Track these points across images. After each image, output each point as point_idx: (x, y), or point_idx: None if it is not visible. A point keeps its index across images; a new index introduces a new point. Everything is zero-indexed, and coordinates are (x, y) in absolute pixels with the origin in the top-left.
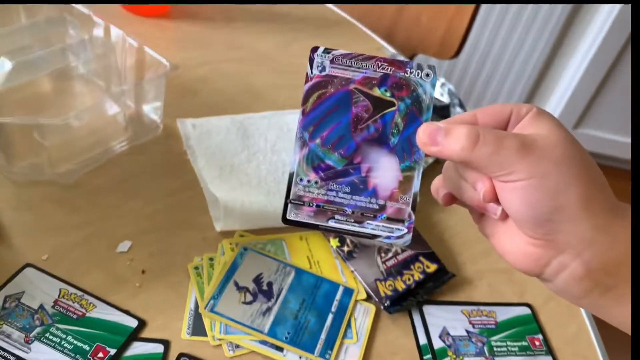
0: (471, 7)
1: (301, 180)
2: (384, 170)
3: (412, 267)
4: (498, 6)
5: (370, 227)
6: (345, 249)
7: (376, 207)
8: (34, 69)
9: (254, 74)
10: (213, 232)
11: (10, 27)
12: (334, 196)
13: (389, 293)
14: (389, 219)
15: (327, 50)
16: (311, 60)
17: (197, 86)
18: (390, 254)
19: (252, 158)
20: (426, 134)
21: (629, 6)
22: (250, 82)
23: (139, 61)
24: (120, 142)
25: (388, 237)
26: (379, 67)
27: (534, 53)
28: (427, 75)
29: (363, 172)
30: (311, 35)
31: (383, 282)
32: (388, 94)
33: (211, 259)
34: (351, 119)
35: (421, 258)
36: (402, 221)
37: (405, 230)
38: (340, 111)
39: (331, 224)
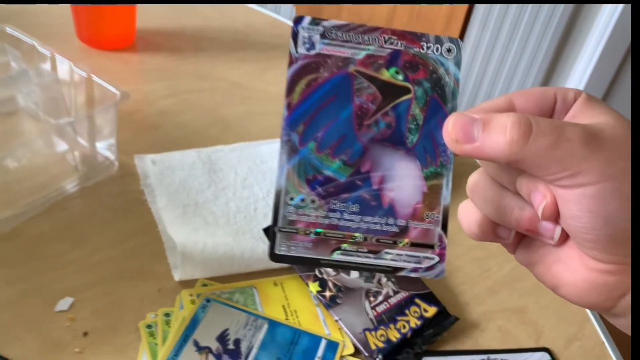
0: (463, 11)
1: (292, 199)
2: (403, 180)
3: (407, 311)
4: (495, 12)
5: (389, 257)
6: (327, 294)
7: (396, 229)
8: None
9: (224, 105)
10: (171, 282)
11: None
12: (338, 219)
13: (381, 345)
14: (414, 245)
15: (315, 21)
16: (295, 35)
17: (160, 120)
18: (380, 298)
19: (220, 194)
20: (457, 128)
21: (628, 11)
22: (220, 113)
23: (89, 93)
24: (70, 183)
25: (415, 270)
26: (386, 42)
27: (535, 60)
28: (449, 50)
29: (375, 183)
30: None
31: (373, 332)
32: (400, 77)
33: (167, 315)
34: (354, 113)
35: (417, 300)
36: (430, 246)
37: (437, 259)
38: (338, 103)
39: (337, 257)
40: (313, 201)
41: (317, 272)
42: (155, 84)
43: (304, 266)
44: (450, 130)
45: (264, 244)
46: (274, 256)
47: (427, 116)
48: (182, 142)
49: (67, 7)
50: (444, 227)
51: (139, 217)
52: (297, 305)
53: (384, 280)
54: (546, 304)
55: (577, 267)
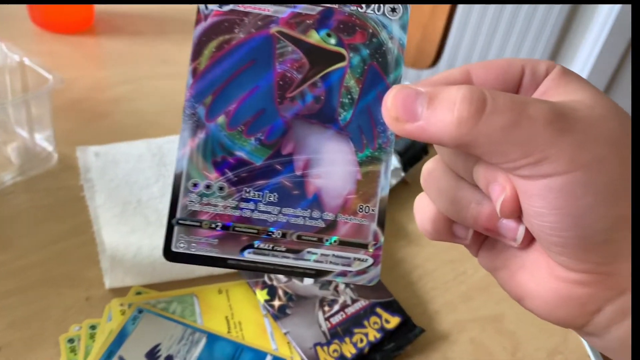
0: (445, 11)
1: (195, 185)
2: (332, 165)
3: (366, 323)
4: (490, 13)
5: (313, 258)
6: (276, 303)
7: (322, 224)
8: None
9: (184, 92)
10: (102, 289)
11: None
12: (252, 210)
13: None
14: (344, 243)
15: None
16: None
17: (111, 108)
18: (336, 307)
19: (168, 190)
20: (398, 103)
21: (629, 8)
22: (178, 100)
23: (23, 78)
24: (1, 178)
25: (342, 274)
26: None
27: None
28: (394, 10)
29: (298, 168)
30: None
31: (325, 347)
32: (332, 40)
33: (93, 327)
34: (274, 83)
35: (379, 310)
36: (363, 246)
37: (370, 261)
38: (256, 70)
39: (248, 256)
40: (221, 188)
41: (266, 278)
42: (110, 69)
43: (207, 265)
44: (390, 105)
45: None
46: (169, 254)
47: (364, 89)
48: (133, 131)
49: None
50: (381, 223)
51: (74, 216)
52: (242, 316)
53: (341, 287)
54: (525, 311)
55: (543, 276)
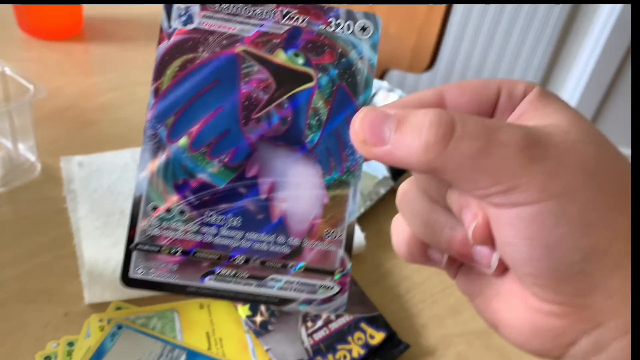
0: (440, 14)
1: (155, 209)
2: (298, 188)
3: (350, 338)
4: (489, 15)
5: (277, 285)
6: (258, 319)
7: (286, 250)
8: None
9: None
10: (81, 305)
11: None
12: (214, 235)
13: None
14: (309, 271)
15: None
16: (168, 7)
17: (97, 116)
18: (319, 323)
19: None
20: (366, 125)
21: (629, 10)
22: None
23: (5, 88)
24: None
25: (307, 302)
26: (284, 17)
27: (530, 64)
28: (364, 29)
29: (263, 192)
30: None
31: None
32: (300, 60)
33: (71, 344)
34: (239, 103)
35: (363, 325)
36: (330, 273)
37: (337, 288)
38: (220, 90)
39: (209, 283)
40: (182, 212)
41: None
42: (98, 76)
43: (167, 292)
44: (358, 128)
45: None
46: (127, 280)
47: (333, 110)
48: (120, 140)
49: None
50: (348, 249)
51: (55, 228)
52: (224, 332)
53: None
54: None
55: (518, 305)
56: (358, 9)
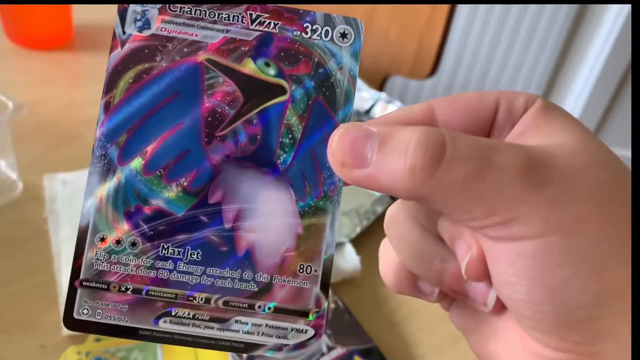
0: (443, 17)
1: (103, 240)
2: (269, 217)
3: None
4: (494, 18)
5: (242, 329)
6: None
7: (254, 288)
8: None
9: None
10: (58, 336)
11: None
12: (170, 270)
13: None
14: (279, 311)
15: None
16: (122, 11)
17: (84, 129)
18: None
19: None
20: (345, 145)
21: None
22: None
23: None
24: None
25: (277, 348)
26: (253, 22)
27: (537, 66)
28: (344, 35)
29: (227, 221)
30: None
31: None
32: (272, 70)
33: None
34: (201, 120)
35: (357, 358)
36: (303, 314)
37: (312, 332)
38: (179, 104)
39: (163, 326)
40: (134, 244)
41: None
42: (87, 87)
43: (116, 337)
44: (335, 148)
45: None
46: (70, 322)
47: (308, 127)
48: None
49: None
50: (325, 287)
51: (34, 252)
52: None
53: None
54: None
55: (517, 349)
56: (357, 11)
